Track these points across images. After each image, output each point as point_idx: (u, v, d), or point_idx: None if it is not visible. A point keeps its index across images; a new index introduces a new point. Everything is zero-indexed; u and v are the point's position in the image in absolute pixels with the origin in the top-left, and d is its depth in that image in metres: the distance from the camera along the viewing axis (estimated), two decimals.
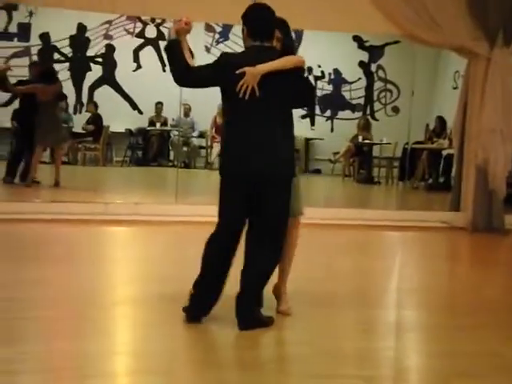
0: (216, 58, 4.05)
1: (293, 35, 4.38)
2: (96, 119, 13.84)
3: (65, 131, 10.82)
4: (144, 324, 4.18)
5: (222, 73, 3.97)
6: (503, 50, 8.17)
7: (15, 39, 14.26)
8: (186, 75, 4.04)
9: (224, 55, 4.17)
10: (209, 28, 14.92)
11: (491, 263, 6.92)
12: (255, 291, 4.08)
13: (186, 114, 14.67)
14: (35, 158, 9.68)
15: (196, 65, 4.06)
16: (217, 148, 14.57)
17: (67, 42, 14.47)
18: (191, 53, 4.12)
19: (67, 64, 14.40)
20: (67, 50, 14.54)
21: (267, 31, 4.01)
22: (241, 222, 4.07)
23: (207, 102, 14.56)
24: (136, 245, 6.92)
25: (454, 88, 13.04)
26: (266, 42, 4.01)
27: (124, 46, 14.67)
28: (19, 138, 10.19)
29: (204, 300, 4.08)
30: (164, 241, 7.03)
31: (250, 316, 4.02)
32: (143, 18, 14.24)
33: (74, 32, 14.47)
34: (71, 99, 14.16)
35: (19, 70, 13.22)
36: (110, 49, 14.74)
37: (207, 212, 7.77)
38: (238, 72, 3.87)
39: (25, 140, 9.82)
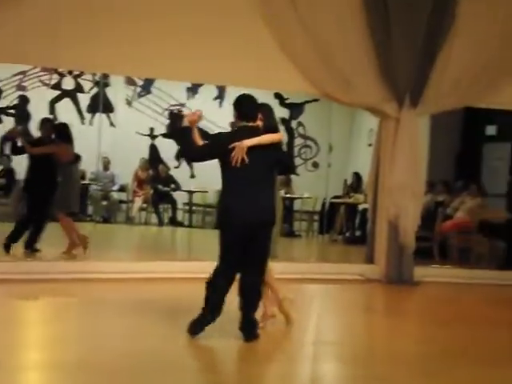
0: (213, 138, 5.40)
1: (275, 117, 5.72)
2: (7, 173, 13.48)
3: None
4: None
5: (219, 148, 5.15)
6: (410, 110, 8.53)
7: None
8: (195, 154, 5.38)
9: (219, 134, 5.60)
10: (130, 81, 14.95)
11: (403, 314, 7.12)
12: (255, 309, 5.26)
13: (106, 168, 14.55)
14: (70, 227, 8.89)
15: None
16: (138, 202, 14.53)
17: None
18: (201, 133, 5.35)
19: None
20: None
21: (251, 115, 5.26)
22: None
23: (127, 156, 14.63)
24: (42, 305, 6.66)
25: (369, 145, 13.47)
26: (251, 122, 5.25)
27: (39, 97, 14.45)
28: (31, 205, 9.02)
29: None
30: (73, 301, 6.77)
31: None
32: (60, 69, 14.05)
33: None
34: None
35: None
36: (24, 100, 14.49)
37: (119, 268, 7.89)
38: (230, 146, 5.05)
39: (37, 207, 8.88)
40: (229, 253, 5.20)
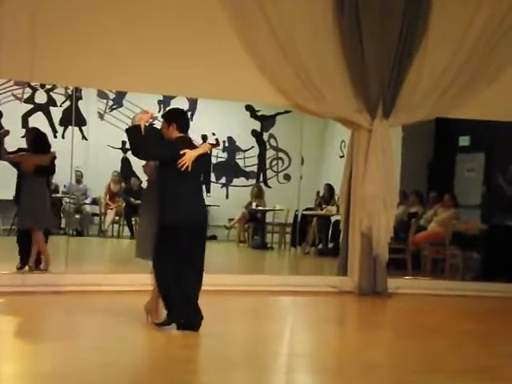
0: (166, 142, 5.81)
1: None
2: None
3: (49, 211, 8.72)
4: None
5: (173, 153, 5.64)
6: (383, 121, 8.58)
7: None
8: (145, 152, 5.78)
9: (172, 141, 5.91)
10: (102, 94, 14.90)
11: (376, 326, 7.12)
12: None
13: (78, 181, 14.47)
14: (41, 245, 8.33)
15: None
16: (111, 215, 14.45)
17: None
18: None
19: None
20: None
21: (187, 127, 5.93)
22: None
23: (100, 169, 14.56)
24: (20, 318, 6.52)
25: (341, 157, 13.51)
26: (186, 134, 5.86)
27: (12, 111, 14.27)
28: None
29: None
30: (51, 312, 6.80)
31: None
32: (32, 83, 13.91)
33: None
34: None
35: None
36: None
37: (92, 281, 7.82)
38: (181, 152, 5.61)
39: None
40: (172, 250, 5.66)
